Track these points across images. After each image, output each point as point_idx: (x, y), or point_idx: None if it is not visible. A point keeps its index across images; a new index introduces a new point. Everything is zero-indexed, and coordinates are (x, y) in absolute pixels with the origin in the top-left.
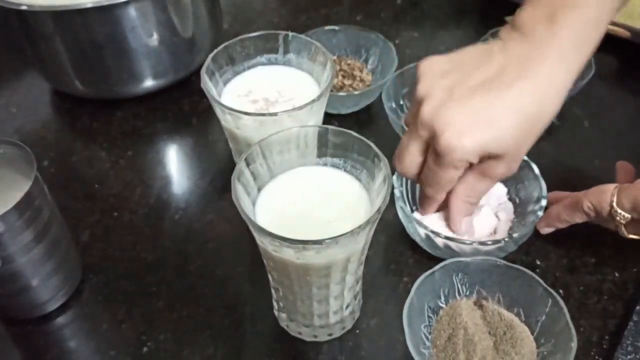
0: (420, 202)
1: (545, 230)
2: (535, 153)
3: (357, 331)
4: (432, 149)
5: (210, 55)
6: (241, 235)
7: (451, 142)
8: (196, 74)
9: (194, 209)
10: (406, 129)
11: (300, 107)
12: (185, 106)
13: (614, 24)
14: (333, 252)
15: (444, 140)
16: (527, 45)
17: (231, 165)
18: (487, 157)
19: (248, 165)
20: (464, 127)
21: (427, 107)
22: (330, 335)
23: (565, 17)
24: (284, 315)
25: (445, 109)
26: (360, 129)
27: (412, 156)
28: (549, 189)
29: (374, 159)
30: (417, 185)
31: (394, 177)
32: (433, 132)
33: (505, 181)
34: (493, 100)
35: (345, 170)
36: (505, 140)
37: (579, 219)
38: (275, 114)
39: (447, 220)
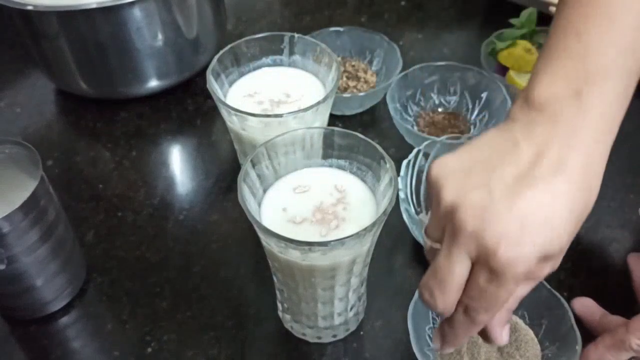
0: (445, 334)
1: None
2: None
3: (361, 333)
4: (485, 267)
5: (216, 56)
6: (245, 236)
7: (511, 255)
8: (200, 74)
9: (198, 210)
10: (428, 242)
11: (306, 109)
12: (189, 107)
13: None
14: (339, 253)
15: (502, 255)
16: (556, 129)
17: (235, 166)
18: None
19: (254, 166)
20: (519, 235)
21: (468, 216)
22: (334, 336)
23: (593, 93)
24: (288, 317)
25: (490, 216)
26: (364, 130)
27: (457, 282)
28: None
29: (379, 160)
30: (422, 187)
31: (399, 178)
32: (484, 248)
33: None
34: (541, 198)
35: (350, 172)
36: (562, 239)
37: (625, 357)
38: (280, 116)
39: (484, 335)
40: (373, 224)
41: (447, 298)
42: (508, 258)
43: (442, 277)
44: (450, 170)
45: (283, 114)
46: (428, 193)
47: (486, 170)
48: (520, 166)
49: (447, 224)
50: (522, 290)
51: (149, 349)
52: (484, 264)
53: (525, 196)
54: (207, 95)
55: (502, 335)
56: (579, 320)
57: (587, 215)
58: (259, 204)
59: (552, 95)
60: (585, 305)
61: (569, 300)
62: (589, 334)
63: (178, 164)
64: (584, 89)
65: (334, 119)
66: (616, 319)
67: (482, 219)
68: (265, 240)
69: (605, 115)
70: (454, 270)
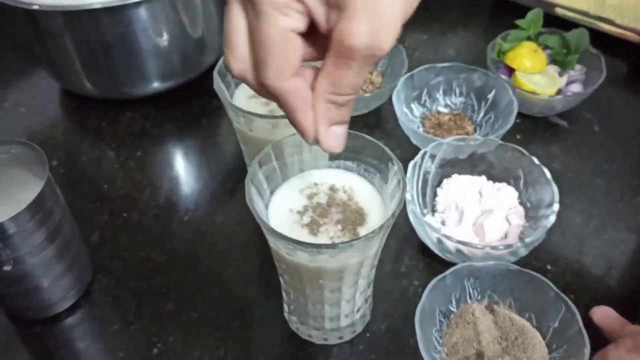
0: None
1: None
2: (545, 156)
3: (368, 335)
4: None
5: (223, 57)
6: (251, 237)
7: None
8: (205, 74)
9: (203, 210)
10: None
11: None
12: (194, 107)
13: (623, 27)
14: (347, 256)
15: None
16: None
17: (240, 167)
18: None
19: (261, 167)
20: None
21: None
22: (340, 338)
23: None
24: (294, 318)
25: None
26: (370, 131)
27: (237, 33)
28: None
29: (387, 162)
30: (429, 189)
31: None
32: None
33: (516, 185)
34: None
35: (358, 174)
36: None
37: None
38: None
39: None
40: (381, 227)
41: (233, 52)
42: None
43: (224, 33)
44: None
45: None
46: None
47: None
48: None
49: None
50: (341, 72)
51: (155, 350)
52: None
53: None
54: (212, 96)
55: (325, 136)
56: (585, 322)
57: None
58: (266, 206)
59: None
60: (605, 315)
61: (575, 302)
62: (598, 338)
63: (183, 164)
64: None
65: None
66: (637, 328)
67: None
68: (272, 242)
69: None
70: (230, 18)
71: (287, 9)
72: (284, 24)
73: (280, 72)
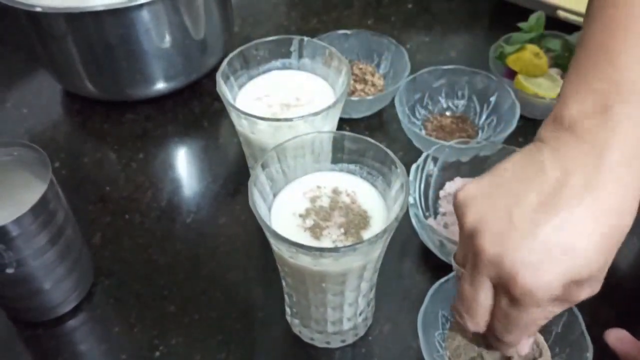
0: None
1: None
2: None
3: (370, 338)
4: (505, 292)
5: (226, 60)
6: (253, 239)
7: (529, 283)
8: (207, 76)
9: (205, 212)
10: (455, 266)
11: (317, 113)
12: (196, 109)
13: None
14: (350, 259)
15: (521, 282)
16: (583, 147)
17: (242, 169)
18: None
19: (264, 170)
20: (540, 261)
21: (486, 242)
22: (343, 341)
23: (622, 108)
24: (296, 321)
25: (509, 242)
26: (372, 134)
27: (484, 307)
28: None
29: (390, 165)
30: (431, 192)
31: None
32: (503, 274)
33: None
34: (564, 224)
35: (361, 177)
36: (589, 264)
37: None
38: (291, 119)
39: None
40: (385, 230)
41: (475, 320)
42: (526, 285)
43: (468, 303)
44: (472, 196)
45: (293, 118)
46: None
47: (509, 195)
48: (545, 190)
49: (469, 249)
50: (552, 311)
51: (157, 353)
52: (504, 290)
53: (546, 222)
54: (214, 98)
55: (522, 345)
56: (587, 326)
57: (622, 239)
58: (269, 209)
59: (580, 112)
60: (620, 338)
61: (579, 306)
62: (600, 342)
63: (185, 166)
64: (613, 105)
65: (341, 122)
66: None
67: (501, 245)
68: (275, 245)
69: (636, 132)
70: (478, 295)
71: (545, 303)
72: (551, 313)
73: (519, 339)
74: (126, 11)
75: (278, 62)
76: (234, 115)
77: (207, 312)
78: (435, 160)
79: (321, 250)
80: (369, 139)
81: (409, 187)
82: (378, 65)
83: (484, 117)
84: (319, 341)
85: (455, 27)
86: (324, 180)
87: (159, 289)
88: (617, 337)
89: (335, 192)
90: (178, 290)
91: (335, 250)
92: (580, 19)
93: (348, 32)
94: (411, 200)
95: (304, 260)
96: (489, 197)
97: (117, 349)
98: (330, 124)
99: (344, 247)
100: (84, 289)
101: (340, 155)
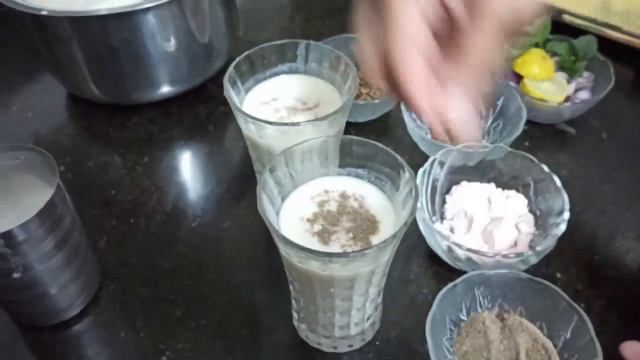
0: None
1: None
2: (553, 164)
3: (377, 343)
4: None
5: (233, 64)
6: (258, 243)
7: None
8: (213, 80)
9: (210, 216)
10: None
11: (324, 117)
12: (201, 112)
13: (632, 35)
14: (359, 265)
15: None
16: None
17: (248, 173)
18: None
19: (272, 174)
20: None
21: None
22: (350, 346)
23: None
24: (303, 326)
25: None
26: (378, 138)
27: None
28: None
29: (399, 170)
30: (438, 196)
31: None
32: None
33: (526, 193)
34: None
35: (368, 181)
36: None
37: None
38: (298, 124)
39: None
40: (394, 235)
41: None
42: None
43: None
44: None
45: (301, 123)
46: None
47: None
48: None
49: None
50: (497, 41)
51: (164, 358)
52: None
53: None
54: (220, 101)
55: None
56: (599, 333)
57: None
58: (277, 213)
59: None
60: (636, 352)
61: (586, 311)
62: (610, 347)
63: (190, 170)
64: None
65: (346, 126)
66: None
67: None
68: (284, 250)
69: None
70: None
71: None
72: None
73: (463, 81)
74: (132, 15)
75: (285, 66)
76: (241, 120)
77: (213, 316)
78: (441, 164)
79: (330, 255)
80: (377, 143)
81: (418, 191)
82: None
83: (490, 120)
84: (326, 346)
85: None
86: (332, 185)
87: (165, 293)
88: (633, 351)
89: (343, 196)
90: (184, 295)
91: (344, 255)
92: (585, 23)
93: (353, 35)
94: (418, 204)
95: (313, 265)
96: None
97: (122, 353)
98: (337, 128)
99: (354, 252)
100: (89, 293)
101: (348, 159)
